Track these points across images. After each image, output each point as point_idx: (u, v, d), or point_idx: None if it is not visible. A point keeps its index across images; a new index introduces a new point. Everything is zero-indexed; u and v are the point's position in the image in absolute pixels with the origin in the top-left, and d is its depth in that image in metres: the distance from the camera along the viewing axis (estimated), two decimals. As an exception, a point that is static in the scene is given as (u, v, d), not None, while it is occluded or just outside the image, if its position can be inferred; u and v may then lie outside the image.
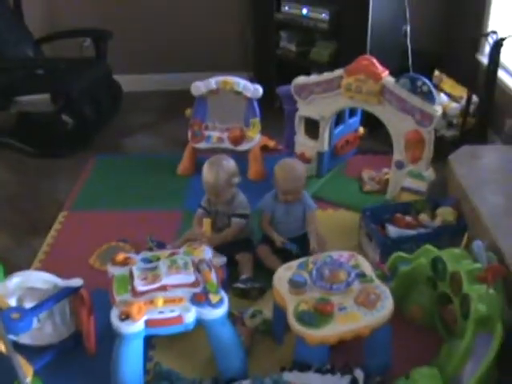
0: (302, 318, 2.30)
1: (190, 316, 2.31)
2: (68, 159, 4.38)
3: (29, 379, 2.22)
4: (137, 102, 5.34)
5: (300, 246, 3.06)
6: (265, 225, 3.20)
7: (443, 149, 3.74)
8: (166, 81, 5.59)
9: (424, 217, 3.24)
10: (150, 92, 5.58)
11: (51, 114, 4.27)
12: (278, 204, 3.16)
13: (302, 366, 2.37)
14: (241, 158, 3.92)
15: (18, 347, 2.35)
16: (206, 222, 3.12)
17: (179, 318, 2.30)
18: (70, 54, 4.84)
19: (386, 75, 3.46)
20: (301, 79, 3.77)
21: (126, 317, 2.27)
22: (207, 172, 3.10)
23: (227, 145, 3.98)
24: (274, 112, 4.69)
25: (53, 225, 3.60)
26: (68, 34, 4.84)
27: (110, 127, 4.84)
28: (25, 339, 2.59)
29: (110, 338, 2.49)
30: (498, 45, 3.93)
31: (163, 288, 2.39)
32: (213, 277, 2.48)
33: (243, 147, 3.98)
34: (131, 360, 2.34)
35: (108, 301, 2.56)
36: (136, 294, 2.37)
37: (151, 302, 2.31)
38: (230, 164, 3.14)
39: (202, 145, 4.03)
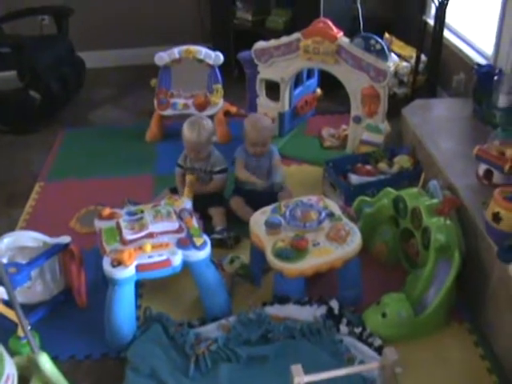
0: (280, 254, 2.51)
1: (177, 259, 2.48)
2: (37, 134, 4.49)
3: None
4: (99, 78, 5.45)
5: (268, 196, 3.24)
6: (241, 171, 3.34)
7: (396, 106, 3.97)
8: (126, 56, 5.70)
9: (383, 165, 3.47)
10: (111, 68, 5.68)
11: (19, 90, 4.35)
12: (249, 156, 3.34)
13: (282, 299, 2.59)
14: (206, 123, 4.13)
15: (10, 307, 2.43)
16: (191, 178, 3.28)
17: (167, 262, 2.47)
18: (29, 33, 4.89)
19: (340, 36, 3.66)
20: (261, 44, 3.95)
21: (117, 263, 2.42)
22: (189, 131, 3.25)
23: (193, 110, 4.15)
24: (234, 80, 4.89)
25: (30, 195, 3.72)
26: (29, 12, 4.89)
27: (75, 102, 4.96)
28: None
29: (97, 293, 2.70)
30: (443, 6, 4.14)
31: (150, 235, 2.56)
32: (194, 222, 2.67)
33: (208, 112, 4.15)
34: (124, 304, 2.50)
35: (93, 259, 2.77)
36: (125, 242, 2.53)
37: (140, 248, 2.48)
38: (209, 123, 3.32)
39: (169, 112, 4.21)
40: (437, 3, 4.15)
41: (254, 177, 3.30)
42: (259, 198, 3.20)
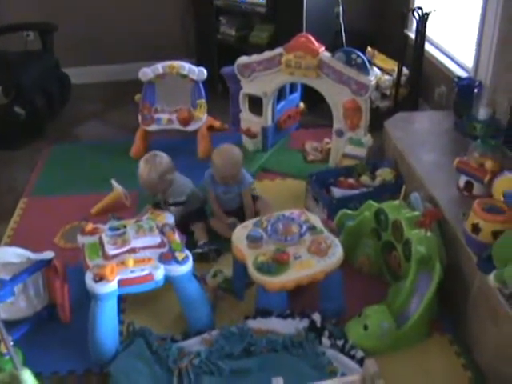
0: (262, 268, 2.52)
1: (160, 273, 2.50)
2: (22, 150, 4.49)
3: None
4: (84, 94, 5.45)
5: (241, 216, 3.28)
6: (212, 203, 3.39)
7: (379, 119, 4.00)
8: (111, 72, 5.71)
9: (365, 178, 3.49)
10: (96, 83, 5.69)
11: (3, 106, 4.35)
12: (217, 185, 3.33)
13: (264, 313, 2.60)
14: (190, 138, 4.17)
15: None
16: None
17: (149, 276, 2.48)
18: (14, 49, 4.91)
19: (322, 50, 3.71)
20: (243, 59, 3.98)
21: (100, 278, 2.43)
22: (141, 169, 3.25)
23: (176, 126, 4.17)
24: (218, 95, 4.92)
25: (14, 211, 3.72)
26: (14, 28, 4.91)
27: (60, 118, 4.97)
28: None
29: (81, 308, 2.69)
30: (423, 19, 4.20)
31: (132, 250, 2.58)
32: (176, 237, 2.69)
33: (192, 127, 4.18)
34: (107, 319, 2.51)
35: (76, 275, 2.75)
36: (107, 257, 2.55)
37: (122, 263, 2.49)
38: (164, 162, 3.26)
39: (153, 127, 4.21)
40: (417, 17, 4.20)
41: (223, 215, 3.34)
42: (236, 216, 3.29)
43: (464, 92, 3.63)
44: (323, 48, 3.74)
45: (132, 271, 2.47)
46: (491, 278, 2.30)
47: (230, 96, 4.33)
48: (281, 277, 2.50)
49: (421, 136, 3.65)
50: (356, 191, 3.38)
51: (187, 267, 2.56)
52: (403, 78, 4.51)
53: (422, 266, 2.62)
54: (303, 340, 2.50)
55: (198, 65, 4.21)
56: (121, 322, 2.73)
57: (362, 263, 3.03)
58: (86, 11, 5.46)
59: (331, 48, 3.84)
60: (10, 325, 2.59)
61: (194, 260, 2.65)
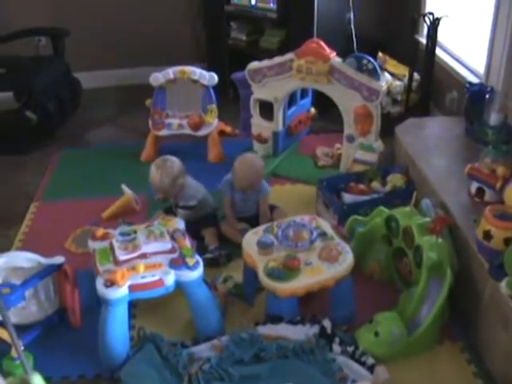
0: (272, 273, 2.52)
1: (170, 279, 2.50)
2: (33, 154, 4.51)
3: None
4: (95, 98, 5.48)
5: (253, 223, 3.24)
6: (226, 208, 3.38)
7: (390, 124, 3.97)
8: (122, 76, 5.74)
9: (376, 184, 3.49)
10: (107, 88, 5.72)
11: (15, 110, 4.38)
12: (235, 191, 3.34)
13: (274, 319, 2.59)
14: (200, 142, 4.17)
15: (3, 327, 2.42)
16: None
17: (160, 282, 2.48)
18: (26, 53, 4.91)
19: (333, 56, 3.71)
20: (254, 64, 3.99)
21: (110, 284, 2.43)
22: (153, 174, 3.24)
23: (187, 130, 4.19)
24: (228, 100, 4.93)
25: (26, 215, 3.73)
26: (26, 33, 4.93)
27: (71, 122, 4.99)
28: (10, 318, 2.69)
29: (92, 313, 2.68)
30: (434, 25, 4.20)
31: (143, 256, 2.58)
32: (187, 243, 2.69)
33: (202, 132, 4.19)
34: (117, 324, 2.51)
35: (87, 280, 2.75)
36: (118, 263, 2.55)
37: (133, 268, 2.49)
38: (175, 166, 3.25)
39: (164, 132, 4.23)
40: (429, 22, 4.19)
41: (236, 222, 3.34)
42: (249, 223, 3.28)
43: (475, 98, 3.62)
44: (334, 53, 3.74)
45: (143, 277, 2.47)
46: (503, 285, 2.29)
47: (241, 101, 4.33)
48: (291, 283, 2.50)
49: (432, 142, 3.63)
50: (367, 197, 3.37)
51: (198, 273, 2.55)
52: (414, 84, 4.50)
53: (433, 272, 2.60)
54: (314, 346, 2.48)
55: (208, 70, 4.22)
56: (131, 327, 2.72)
57: (372, 269, 3.02)
58: (97, 16, 5.51)
59: (342, 53, 3.84)
60: (21, 329, 2.58)
61: (205, 265, 2.65)
